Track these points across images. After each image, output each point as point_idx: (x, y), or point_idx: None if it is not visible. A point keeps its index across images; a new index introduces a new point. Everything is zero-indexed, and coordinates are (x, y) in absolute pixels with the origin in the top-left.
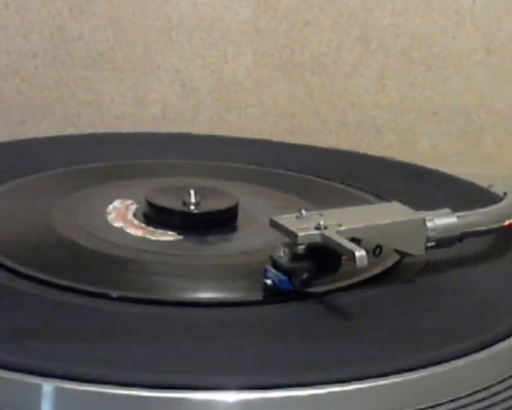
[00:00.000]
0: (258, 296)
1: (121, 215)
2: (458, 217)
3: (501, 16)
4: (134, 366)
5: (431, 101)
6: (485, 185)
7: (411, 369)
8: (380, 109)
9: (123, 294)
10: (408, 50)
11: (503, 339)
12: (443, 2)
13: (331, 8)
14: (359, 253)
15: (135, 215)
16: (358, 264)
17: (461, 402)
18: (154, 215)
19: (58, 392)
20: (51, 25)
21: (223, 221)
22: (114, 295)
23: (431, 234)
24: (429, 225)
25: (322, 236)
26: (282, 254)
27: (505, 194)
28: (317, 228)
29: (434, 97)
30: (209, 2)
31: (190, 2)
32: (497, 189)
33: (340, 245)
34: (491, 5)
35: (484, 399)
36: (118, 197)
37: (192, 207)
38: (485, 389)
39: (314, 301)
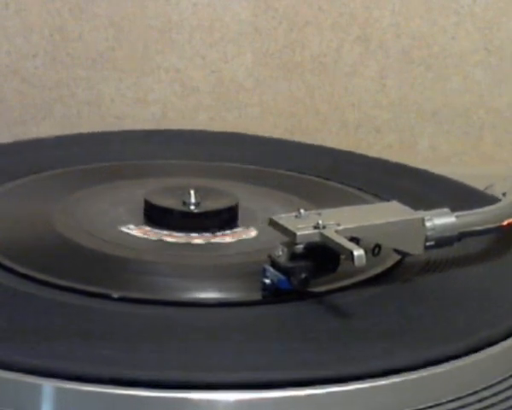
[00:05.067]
0: (258, 296)
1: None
2: (457, 217)
3: (501, 16)
4: (134, 366)
5: (431, 101)
6: (485, 185)
7: (411, 369)
8: (380, 109)
9: (123, 294)
10: (408, 50)
11: (502, 339)
12: (443, 2)
13: (331, 8)
14: (358, 252)
15: (135, 215)
16: (357, 263)
17: (461, 402)
18: (154, 215)
19: (58, 392)
20: (51, 25)
21: (223, 221)
22: (115, 295)
23: (430, 234)
24: (428, 224)
25: (321, 235)
26: (280, 253)
27: (504, 194)
28: (316, 227)
29: (434, 97)
30: (209, 2)
31: (190, 2)
32: (497, 189)
33: (338, 244)
34: (491, 5)
35: (484, 399)
36: (118, 197)
37: (192, 207)
38: (485, 389)
39: (314, 301)
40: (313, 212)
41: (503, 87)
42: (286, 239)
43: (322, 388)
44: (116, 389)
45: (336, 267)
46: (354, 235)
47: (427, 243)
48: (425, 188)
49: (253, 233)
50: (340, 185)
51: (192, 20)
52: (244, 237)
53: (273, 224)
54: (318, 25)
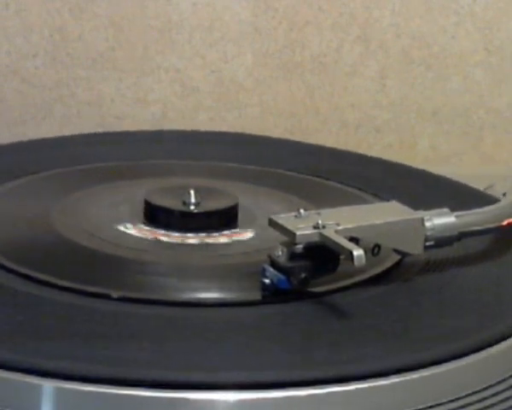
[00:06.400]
0: (258, 296)
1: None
2: (457, 216)
3: (501, 16)
4: (134, 366)
5: (431, 101)
6: (485, 185)
7: (411, 369)
8: (380, 109)
9: (123, 294)
10: (408, 50)
11: (503, 339)
12: (443, 2)
13: (331, 8)
14: (357, 252)
15: (135, 215)
16: (356, 263)
17: (461, 402)
18: (154, 215)
19: (58, 392)
20: (51, 25)
21: (223, 221)
22: (114, 295)
23: (429, 233)
24: (427, 224)
25: (321, 235)
26: (280, 253)
27: (504, 194)
28: (316, 227)
29: (434, 97)
30: (209, 2)
31: (190, 2)
32: (497, 189)
33: (338, 244)
34: (491, 5)
35: (484, 399)
36: (118, 197)
37: (192, 207)
38: (485, 389)
39: (314, 301)
40: (313, 212)
41: (503, 87)
42: (285, 239)
43: (322, 388)
44: (116, 389)
45: (336, 267)
46: (354, 235)
47: (427, 243)
48: (425, 188)
49: (252, 233)
50: (340, 185)
51: (192, 20)
52: (244, 236)
53: (273, 224)
54: (318, 25)
